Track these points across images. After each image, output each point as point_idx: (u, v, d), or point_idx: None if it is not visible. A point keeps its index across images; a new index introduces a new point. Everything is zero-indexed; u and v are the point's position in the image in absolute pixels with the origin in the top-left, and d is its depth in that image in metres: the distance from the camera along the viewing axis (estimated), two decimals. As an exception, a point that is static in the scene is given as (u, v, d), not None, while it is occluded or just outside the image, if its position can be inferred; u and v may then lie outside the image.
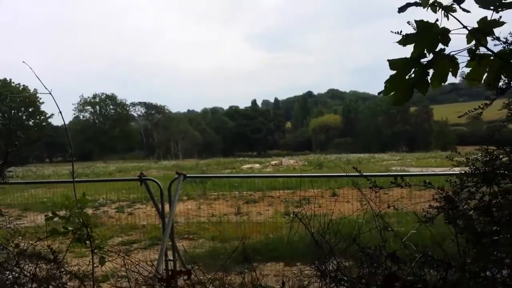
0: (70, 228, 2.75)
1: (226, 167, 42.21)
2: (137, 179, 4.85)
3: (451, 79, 2.00)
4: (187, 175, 5.12)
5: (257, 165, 41.22)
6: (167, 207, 5.05)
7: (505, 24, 1.81)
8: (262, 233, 8.33)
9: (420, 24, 1.86)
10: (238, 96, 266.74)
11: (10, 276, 2.50)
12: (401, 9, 1.89)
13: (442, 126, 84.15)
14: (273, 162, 43.66)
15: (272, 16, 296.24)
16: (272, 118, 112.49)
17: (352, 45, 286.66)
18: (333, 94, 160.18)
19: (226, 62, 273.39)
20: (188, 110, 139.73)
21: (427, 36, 1.87)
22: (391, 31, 1.93)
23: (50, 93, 2.94)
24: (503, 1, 1.78)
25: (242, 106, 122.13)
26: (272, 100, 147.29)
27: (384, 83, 2.00)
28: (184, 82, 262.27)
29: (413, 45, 1.91)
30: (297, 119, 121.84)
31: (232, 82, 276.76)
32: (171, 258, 4.92)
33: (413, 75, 1.96)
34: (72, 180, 3.44)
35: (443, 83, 1.99)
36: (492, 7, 1.80)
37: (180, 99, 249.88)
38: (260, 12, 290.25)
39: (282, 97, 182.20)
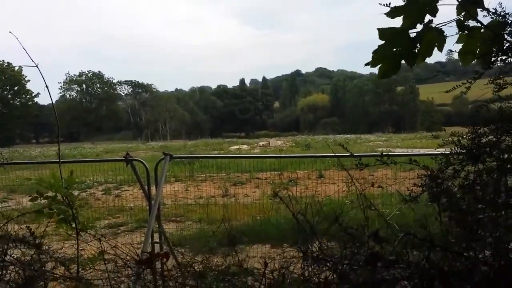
0: (55, 210, 2.72)
1: (214, 148, 42.17)
2: (123, 159, 4.78)
3: (438, 57, 1.95)
4: (174, 155, 5.12)
5: (244, 146, 41.24)
6: (153, 188, 5.04)
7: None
8: (249, 215, 8.39)
9: None
10: (226, 74, 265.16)
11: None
12: None
13: (428, 106, 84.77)
14: (261, 143, 43.73)
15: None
16: (260, 97, 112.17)
17: (340, 23, 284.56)
18: (321, 73, 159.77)
19: (214, 40, 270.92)
20: (176, 89, 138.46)
21: (415, 7, 1.81)
22: (379, 3, 1.85)
23: (36, 66, 2.85)
24: None
25: (230, 85, 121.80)
26: (260, 79, 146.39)
27: (372, 53, 1.94)
28: (172, 60, 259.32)
29: (401, 17, 1.85)
30: (286, 98, 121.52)
31: (220, 60, 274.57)
32: (158, 241, 4.95)
33: (400, 47, 1.90)
34: (58, 160, 3.41)
35: (428, 57, 1.94)
36: None
37: (168, 78, 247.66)
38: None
39: (270, 76, 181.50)
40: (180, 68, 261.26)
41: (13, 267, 2.43)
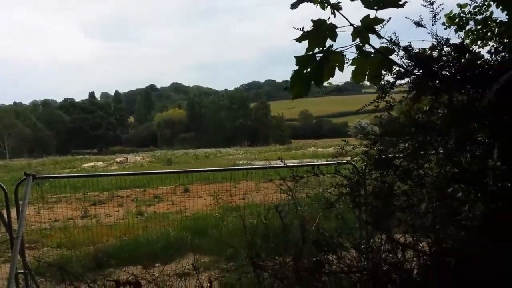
0: None
1: (65, 166, 38.79)
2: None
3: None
4: (37, 175, 4.77)
5: (100, 163, 38.85)
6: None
7: (389, 22, 2.05)
8: (114, 236, 8.03)
9: (315, 21, 2.02)
10: (74, 88, 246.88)
11: None
12: (294, 6, 2.04)
13: (278, 120, 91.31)
14: (118, 160, 41.75)
15: (110, 4, 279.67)
16: (113, 112, 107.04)
17: (195, 41, 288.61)
18: (177, 88, 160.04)
19: (59, 52, 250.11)
20: (15, 103, 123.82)
21: (319, 33, 2.05)
22: (293, 27, 2.06)
23: None
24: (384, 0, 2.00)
25: (78, 99, 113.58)
26: (112, 93, 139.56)
27: (290, 78, 2.17)
28: (9, 72, 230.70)
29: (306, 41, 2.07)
30: (141, 113, 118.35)
31: (66, 73, 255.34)
32: (21, 271, 4.51)
33: (310, 70, 2.13)
34: None
35: (331, 77, 2.18)
36: (375, 7, 2.02)
37: (5, 91, 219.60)
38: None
39: (123, 90, 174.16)
40: (19, 81, 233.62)
41: None
